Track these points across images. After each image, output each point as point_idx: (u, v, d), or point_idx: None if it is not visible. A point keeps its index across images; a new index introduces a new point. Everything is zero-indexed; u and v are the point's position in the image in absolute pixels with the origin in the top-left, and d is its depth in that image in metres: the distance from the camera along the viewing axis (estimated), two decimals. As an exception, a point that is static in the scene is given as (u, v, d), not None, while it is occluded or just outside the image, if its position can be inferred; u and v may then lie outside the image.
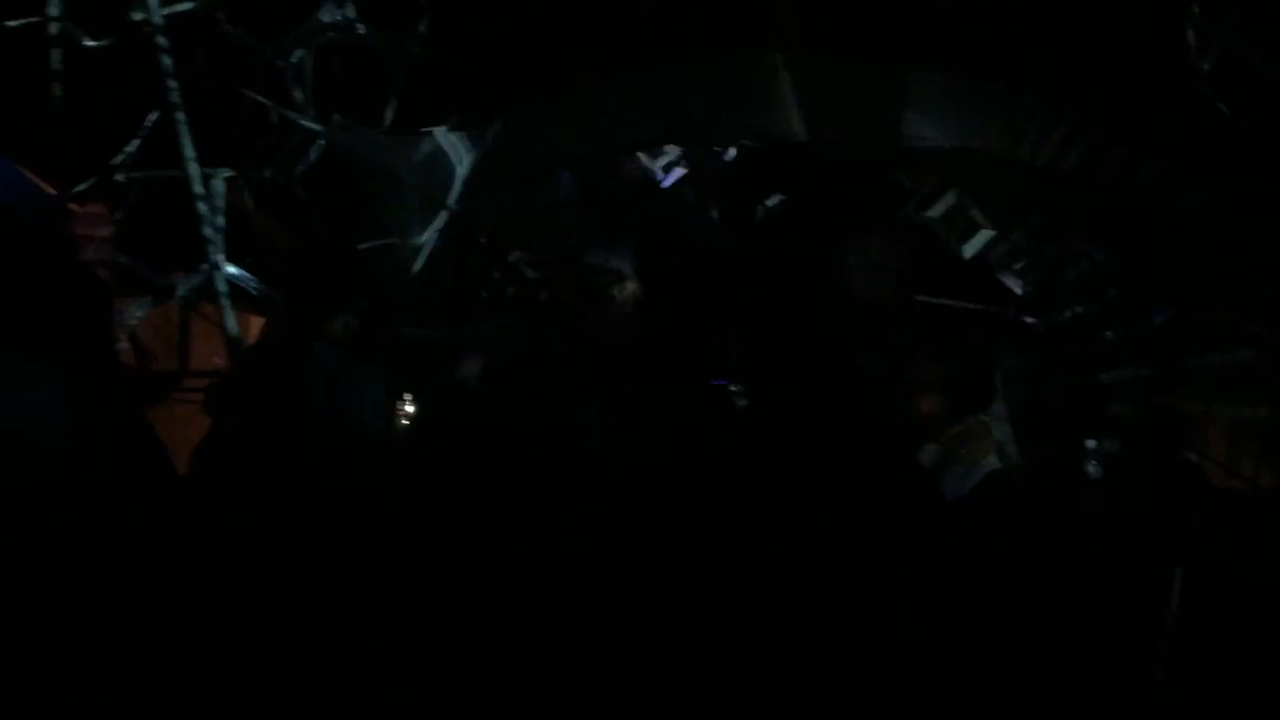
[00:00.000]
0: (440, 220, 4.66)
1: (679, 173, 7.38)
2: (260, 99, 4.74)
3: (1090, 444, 3.82)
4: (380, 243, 5.37)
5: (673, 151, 7.25)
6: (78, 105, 5.06)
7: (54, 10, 5.02)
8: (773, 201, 7.36)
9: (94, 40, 4.98)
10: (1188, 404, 5.23)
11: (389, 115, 5.30)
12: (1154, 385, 5.37)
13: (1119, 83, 4.97)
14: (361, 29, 5.09)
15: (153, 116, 4.76)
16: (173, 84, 4.34)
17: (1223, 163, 4.54)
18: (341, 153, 4.62)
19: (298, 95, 5.06)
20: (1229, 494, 4.99)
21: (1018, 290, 6.30)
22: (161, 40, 4.40)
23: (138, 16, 4.68)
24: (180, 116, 4.37)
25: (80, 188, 4.81)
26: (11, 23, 5.00)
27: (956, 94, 5.97)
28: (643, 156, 7.25)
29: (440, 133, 4.88)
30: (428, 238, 4.64)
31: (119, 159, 4.82)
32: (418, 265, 4.67)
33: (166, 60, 4.43)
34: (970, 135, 5.98)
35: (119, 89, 5.04)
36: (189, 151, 4.34)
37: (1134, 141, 5.41)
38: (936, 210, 6.14)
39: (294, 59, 5.05)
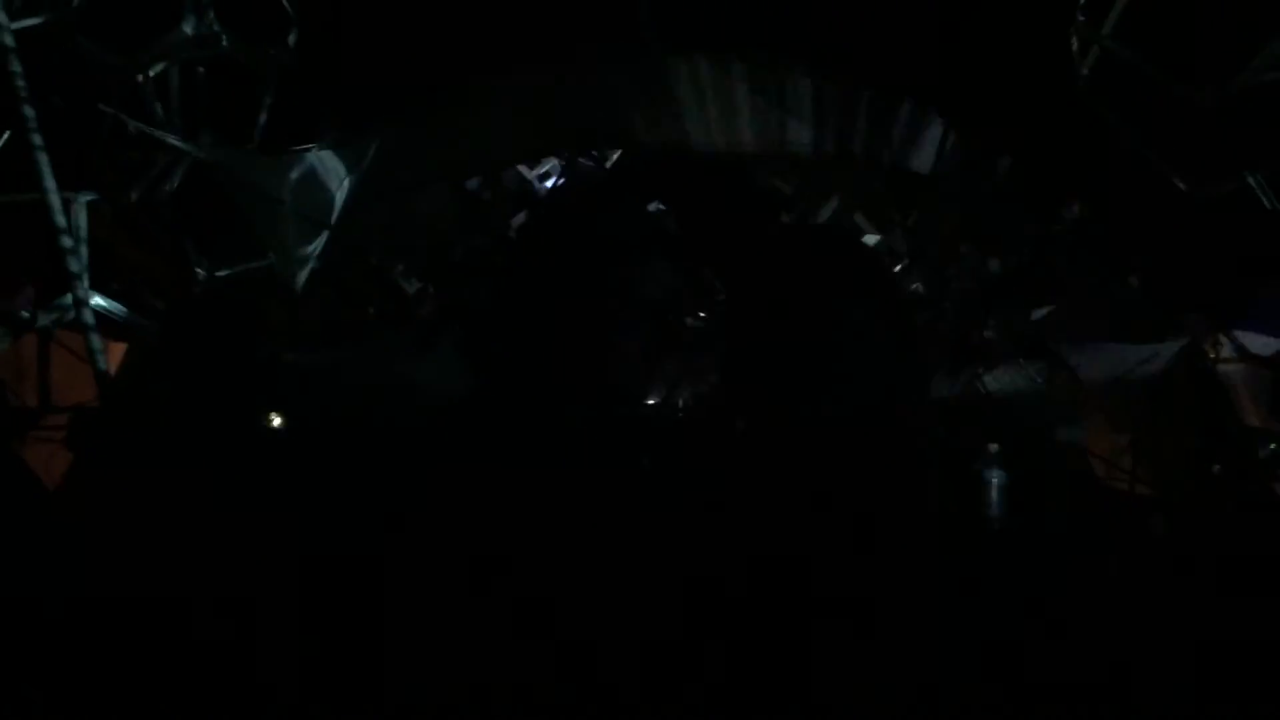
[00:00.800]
0: (320, 240, 4.47)
1: (557, 182, 7.30)
2: (120, 115, 4.46)
3: (993, 447, 3.86)
4: (255, 265, 5.16)
5: (549, 161, 7.17)
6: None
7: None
8: (654, 207, 7.33)
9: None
10: (1070, 401, 5.37)
11: (258, 132, 5.09)
12: (1036, 380, 5.50)
13: (999, 88, 5.07)
14: (226, 42, 4.84)
15: (4, 137, 4.45)
16: (27, 105, 4.05)
17: (1101, 165, 4.65)
18: (214, 172, 4.38)
19: (159, 112, 4.79)
20: (1110, 488, 5.14)
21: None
22: (13, 59, 4.10)
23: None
24: (36, 140, 4.08)
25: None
26: None
27: (835, 100, 6.02)
28: (521, 167, 7.15)
29: (316, 151, 4.68)
30: (309, 258, 4.44)
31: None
32: (299, 285, 4.46)
33: (19, 80, 4.14)
34: (849, 141, 6.03)
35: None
36: (48, 178, 4.06)
37: (1012, 146, 5.53)
38: (821, 216, 6.19)
39: (153, 73, 4.79)
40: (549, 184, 7.32)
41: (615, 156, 6.84)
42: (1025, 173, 5.63)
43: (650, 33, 7.11)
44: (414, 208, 6.37)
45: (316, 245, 4.47)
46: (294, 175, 4.45)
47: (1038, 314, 5.87)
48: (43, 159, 4.09)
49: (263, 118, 5.09)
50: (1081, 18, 3.75)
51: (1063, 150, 4.98)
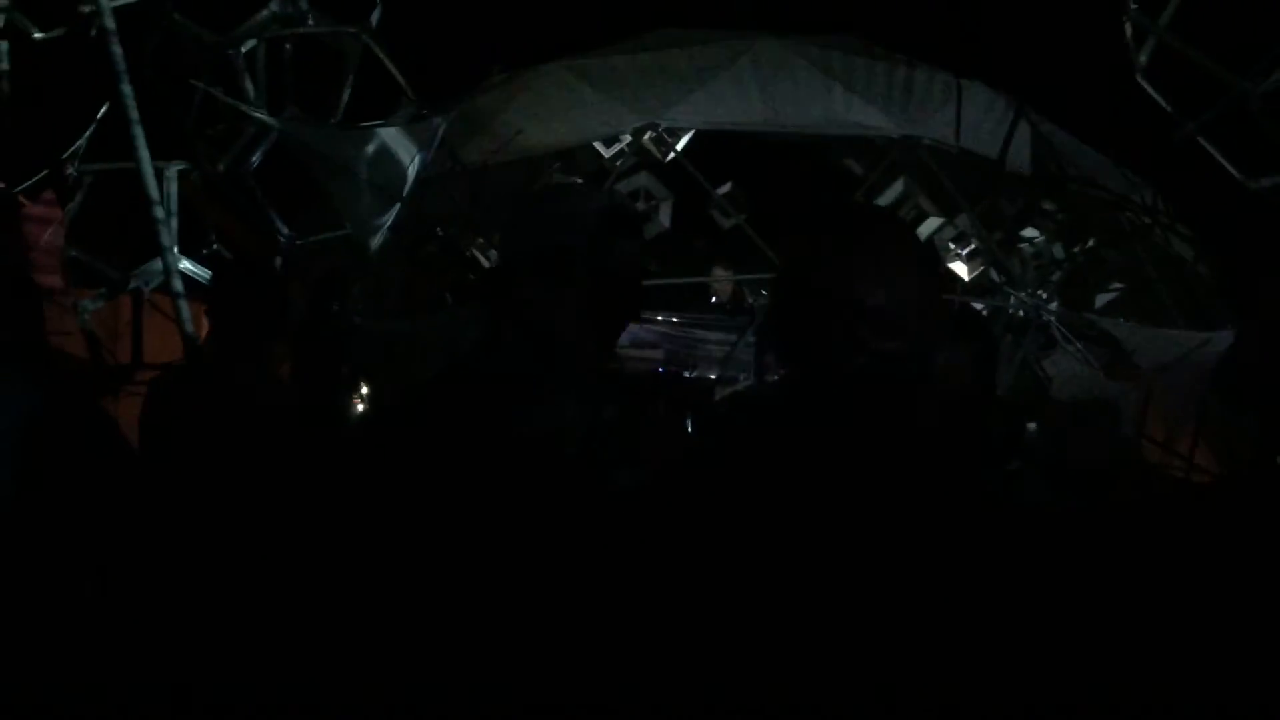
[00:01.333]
0: (394, 213, 4.68)
1: (631, 162, 7.45)
2: (212, 91, 4.72)
3: (1031, 426, 3.91)
4: (333, 235, 5.40)
5: (624, 139, 7.32)
6: (27, 98, 5.03)
7: (0, 1, 4.98)
8: (725, 189, 7.45)
9: (43, 32, 4.94)
10: (1126, 383, 5.38)
11: (341, 108, 5.31)
12: (1094, 365, 5.52)
13: (1062, 74, 5.10)
14: (314, 21, 5.07)
15: (103, 110, 4.75)
16: (124, 77, 4.31)
17: (1160, 150, 4.66)
18: (295, 146, 4.61)
19: (249, 88, 5.03)
20: (1165, 474, 5.16)
21: (964, 276, 6.43)
22: (111, 31, 4.36)
23: (87, 8, 4.65)
24: (132, 111, 4.34)
25: (29, 182, 4.78)
26: (-42, 16, 4.95)
27: (905, 82, 6.07)
28: (598, 145, 7.31)
29: (390, 127, 4.89)
30: (382, 230, 4.66)
31: (69, 153, 4.79)
32: (374, 254, 4.69)
33: (117, 52, 4.40)
34: (916, 125, 6.09)
35: (68, 81, 5.02)
36: (142, 147, 4.32)
37: (1075, 129, 5.55)
38: (886, 198, 6.25)
39: (245, 50, 5.03)
40: (620, 163, 7.48)
41: (688, 137, 6.97)
42: (1092, 159, 5.64)
43: (733, 14, 7.21)
44: (493, 183, 6.58)
45: (389, 216, 4.68)
46: (369, 149, 4.66)
47: (1101, 299, 5.89)
48: (138, 131, 4.35)
49: (346, 94, 5.31)
50: (1134, 5, 3.79)
51: (1130, 136, 4.99)
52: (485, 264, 6.78)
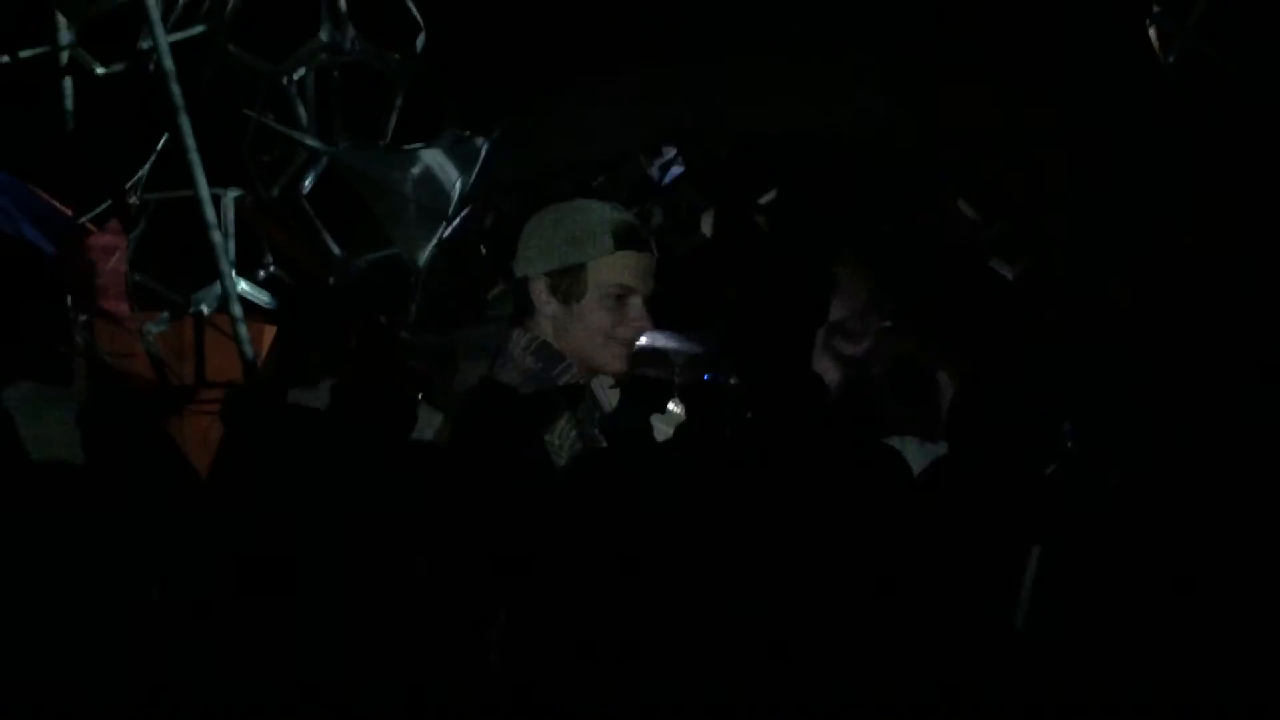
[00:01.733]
0: (440, 231, 4.85)
1: (677, 172, 7.55)
2: (267, 120, 4.92)
3: (1066, 426, 3.96)
4: (384, 253, 5.57)
5: (669, 151, 7.42)
6: (89, 131, 5.27)
7: (64, 39, 5.23)
8: (769, 196, 7.52)
9: (104, 67, 5.18)
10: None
11: (389, 131, 5.48)
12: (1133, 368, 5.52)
13: (1097, 76, 5.14)
14: (359, 48, 5.25)
15: (163, 140, 4.96)
16: (182, 108, 4.53)
17: (1196, 149, 4.70)
18: (345, 169, 4.80)
19: (301, 114, 5.22)
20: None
21: (1008, 276, 6.45)
22: (169, 67, 4.58)
23: (145, 45, 4.88)
24: (190, 141, 4.56)
25: (95, 211, 5.01)
26: (24, 53, 5.20)
27: (948, 89, 6.14)
28: (642, 157, 7.42)
29: (435, 148, 5.06)
30: (429, 248, 4.83)
31: (132, 182, 5.02)
32: (421, 272, 4.87)
33: (175, 86, 4.62)
34: (959, 129, 6.14)
35: (128, 113, 5.25)
36: (200, 175, 4.54)
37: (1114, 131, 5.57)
38: (927, 204, 6.30)
39: (295, 78, 5.21)
40: (670, 175, 7.58)
41: (730, 147, 7.05)
42: (1125, 161, 5.66)
43: (794, 25, 7.29)
44: (539, 198, 6.72)
45: (437, 234, 4.85)
46: (415, 170, 4.83)
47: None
48: (195, 159, 4.57)
49: (393, 118, 5.48)
50: (1157, 9, 3.85)
51: (1162, 140, 5.02)
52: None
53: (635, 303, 2.55)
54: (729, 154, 7.10)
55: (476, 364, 5.78)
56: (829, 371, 1.79)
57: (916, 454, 2.90)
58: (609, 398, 2.62)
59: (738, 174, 7.12)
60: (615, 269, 2.57)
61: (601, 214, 2.63)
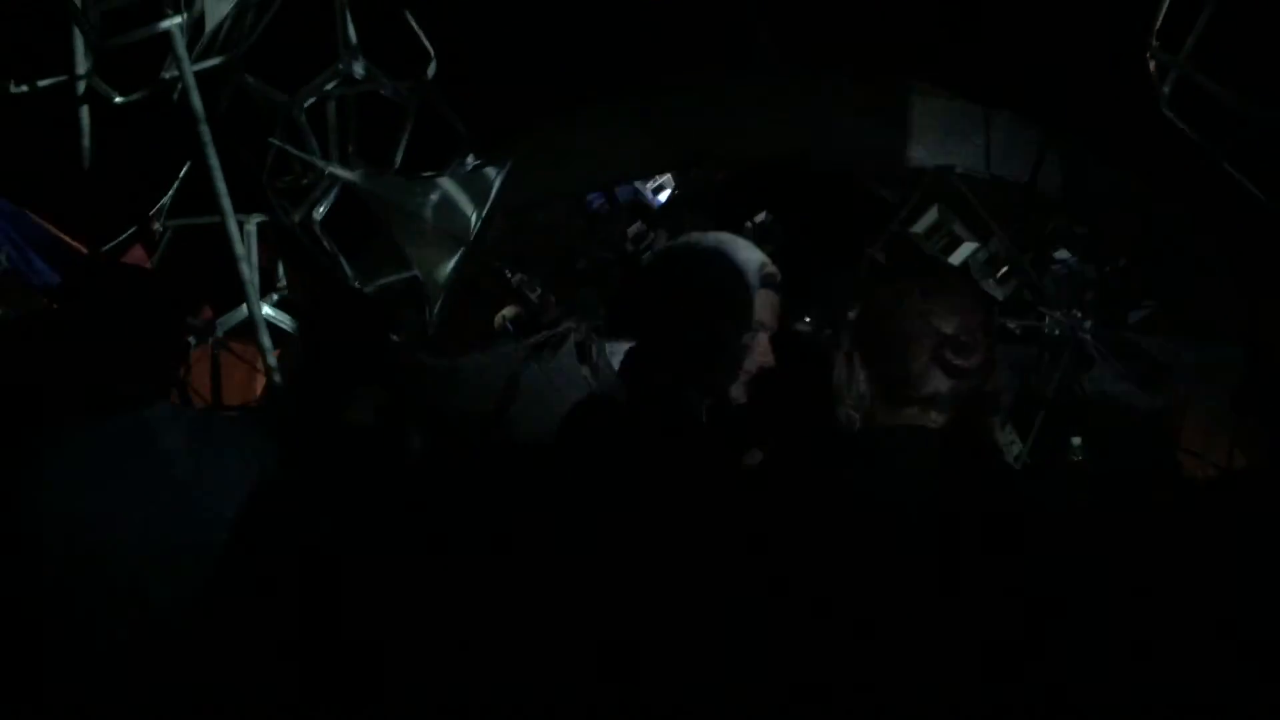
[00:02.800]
0: (459, 255, 4.97)
1: (669, 194, 7.72)
2: (286, 147, 5.03)
3: (1075, 441, 4.14)
4: (396, 277, 5.69)
5: (663, 175, 7.59)
6: (108, 159, 5.34)
7: (81, 69, 5.29)
8: (760, 218, 7.70)
9: (123, 96, 5.25)
10: (1163, 400, 5.58)
11: (399, 157, 5.60)
12: (1131, 382, 5.72)
13: (1090, 104, 5.34)
14: (373, 77, 5.36)
15: (185, 168, 5.05)
16: (209, 142, 4.62)
17: (1187, 176, 4.88)
18: (366, 196, 4.91)
19: (313, 142, 5.32)
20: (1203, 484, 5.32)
21: (999, 297, 6.65)
22: (197, 102, 4.67)
23: (169, 75, 4.96)
24: (216, 169, 4.64)
25: (116, 241, 5.08)
26: (42, 82, 5.26)
27: (937, 112, 6.34)
28: (637, 181, 7.59)
29: (454, 174, 5.18)
30: (448, 274, 4.95)
31: (155, 209, 5.10)
32: (440, 297, 4.97)
33: (200, 113, 4.70)
34: (950, 155, 6.34)
35: (145, 141, 5.32)
36: (227, 204, 4.62)
37: (1104, 155, 5.78)
38: (921, 225, 6.48)
39: (306, 105, 5.32)
40: (662, 197, 7.75)
41: (727, 171, 7.24)
42: (1119, 180, 5.87)
43: (767, 51, 7.50)
44: (541, 221, 6.87)
45: (456, 260, 4.96)
46: (434, 197, 4.95)
47: (1134, 316, 6.10)
48: (221, 187, 4.65)
49: (402, 145, 5.60)
50: (1156, 43, 4.03)
51: (1155, 161, 5.22)
52: (532, 300, 7.07)
53: (764, 338, 2.66)
54: (725, 179, 7.31)
55: (485, 384, 5.95)
56: (937, 382, 1.88)
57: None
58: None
59: (733, 197, 7.32)
60: (755, 305, 2.67)
61: (749, 252, 2.74)
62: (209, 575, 2.21)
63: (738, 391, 2.70)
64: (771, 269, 2.74)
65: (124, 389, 2.23)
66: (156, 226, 5.11)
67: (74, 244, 5.11)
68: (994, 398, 2.03)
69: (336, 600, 2.22)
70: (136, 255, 4.99)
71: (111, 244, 4.99)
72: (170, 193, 5.14)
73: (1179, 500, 2.58)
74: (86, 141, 5.37)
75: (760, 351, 2.67)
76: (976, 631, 1.83)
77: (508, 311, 6.44)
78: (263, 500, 2.32)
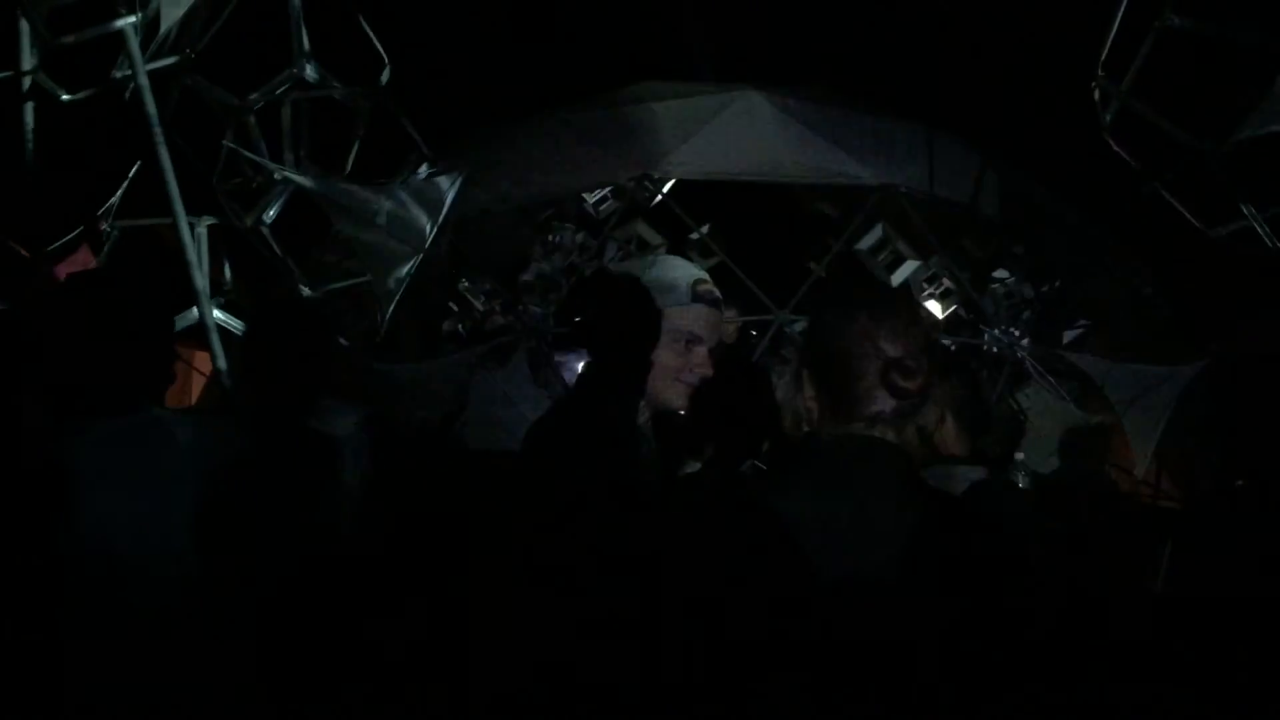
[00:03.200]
0: (413, 262, 4.96)
1: (611, 207, 7.78)
2: (236, 148, 4.99)
3: (1019, 456, 4.25)
4: (346, 284, 5.68)
5: (604, 189, 7.65)
6: (53, 158, 5.25)
7: (28, 64, 5.20)
8: (704, 230, 7.80)
9: (70, 94, 5.17)
10: (1095, 415, 5.76)
11: (350, 163, 5.60)
12: (1065, 398, 5.90)
13: (1032, 130, 5.51)
14: (325, 82, 5.35)
15: (135, 168, 4.99)
16: (162, 142, 4.58)
17: (1122, 200, 5.06)
18: (322, 200, 4.88)
19: (263, 146, 5.29)
20: (1134, 501, 5.52)
21: (939, 315, 6.81)
22: (149, 98, 4.63)
23: (120, 74, 4.90)
24: (168, 169, 4.60)
25: (60, 241, 4.99)
26: (-16, 78, 5.16)
27: (880, 132, 6.48)
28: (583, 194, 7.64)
29: (410, 181, 5.18)
30: (402, 281, 4.94)
31: (103, 210, 5.03)
32: (391, 306, 4.96)
33: (153, 114, 4.66)
34: (893, 173, 6.48)
35: (96, 141, 5.25)
36: (178, 204, 4.58)
37: (1043, 179, 5.97)
38: (866, 243, 6.61)
39: (261, 110, 5.29)
40: (604, 208, 7.81)
41: (670, 184, 7.31)
42: (1058, 203, 6.06)
43: (704, 68, 7.62)
44: (489, 230, 6.89)
45: (410, 267, 4.95)
46: (388, 205, 4.93)
47: (1069, 335, 6.29)
48: (174, 190, 4.61)
49: (353, 151, 5.60)
50: (1102, 73, 4.19)
51: (1093, 184, 5.40)
52: (479, 308, 7.08)
53: (701, 350, 2.79)
54: (670, 193, 7.38)
55: (433, 392, 5.94)
56: (883, 402, 1.97)
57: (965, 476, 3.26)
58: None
59: (678, 211, 7.39)
60: (688, 318, 2.80)
61: (684, 269, 2.88)
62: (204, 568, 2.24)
63: (679, 402, 2.82)
64: (707, 285, 2.88)
65: (126, 391, 2.25)
66: (104, 227, 5.03)
67: (25, 255, 5.02)
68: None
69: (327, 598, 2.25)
70: (82, 257, 4.91)
71: (57, 244, 4.90)
72: (119, 193, 5.06)
73: (1114, 514, 2.67)
74: (30, 140, 5.28)
75: (698, 363, 2.79)
76: (922, 636, 1.89)
77: (456, 321, 6.44)
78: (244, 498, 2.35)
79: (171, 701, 2.11)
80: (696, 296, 2.82)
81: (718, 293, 2.92)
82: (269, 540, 2.41)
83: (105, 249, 5.19)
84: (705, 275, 2.91)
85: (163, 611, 2.17)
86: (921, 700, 1.83)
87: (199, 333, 4.94)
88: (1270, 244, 4.07)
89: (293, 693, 2.29)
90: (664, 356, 2.74)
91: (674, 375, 2.76)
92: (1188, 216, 4.40)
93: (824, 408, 2.08)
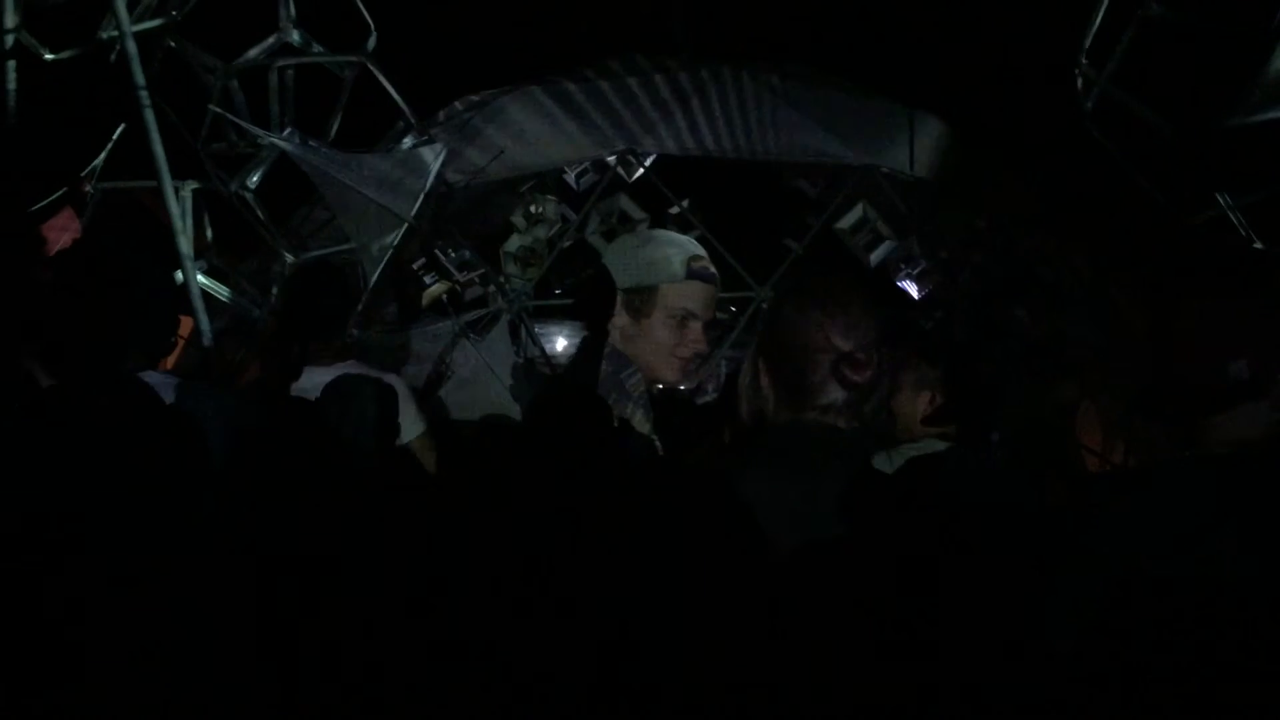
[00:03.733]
0: (400, 231, 4.99)
1: (592, 181, 7.80)
2: (222, 113, 4.98)
3: (994, 436, 4.33)
4: (329, 251, 5.68)
5: (584, 163, 7.67)
6: (36, 118, 5.21)
7: (10, 22, 5.16)
8: (683, 206, 7.83)
9: (54, 54, 5.13)
10: (1066, 396, 5.86)
11: (333, 130, 5.59)
12: (1036, 380, 5.99)
13: (1011, 111, 5.57)
14: (311, 48, 5.34)
15: (119, 129, 4.97)
16: (148, 105, 4.56)
17: (1105, 187, 5.13)
18: (308, 167, 4.89)
19: (246, 110, 5.28)
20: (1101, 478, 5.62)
21: (914, 295, 6.89)
22: (136, 62, 4.60)
23: (106, 35, 4.88)
24: (154, 132, 4.58)
25: (44, 202, 4.97)
26: (-35, 37, 5.11)
27: (865, 115, 6.53)
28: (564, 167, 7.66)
29: (398, 149, 5.19)
30: (388, 248, 4.96)
31: (87, 171, 5.01)
32: (376, 275, 4.98)
33: (139, 77, 4.64)
34: (873, 153, 6.54)
35: (82, 101, 5.22)
36: (164, 167, 4.57)
37: (1022, 163, 6.04)
38: (846, 222, 6.67)
39: (246, 75, 5.28)
40: (585, 181, 7.84)
41: (651, 159, 7.34)
42: (1032, 188, 6.14)
43: (684, 44, 7.63)
44: (471, 202, 6.90)
45: (395, 236, 4.98)
46: (374, 173, 4.96)
47: (1038, 315, 6.39)
48: (159, 151, 4.60)
49: (338, 118, 5.59)
50: (1085, 61, 4.25)
51: (1070, 168, 5.47)
52: (459, 278, 7.09)
53: (696, 326, 2.84)
54: (651, 168, 7.41)
55: (426, 362, 5.98)
56: (834, 393, 2.07)
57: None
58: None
59: (660, 185, 7.42)
60: (683, 295, 2.85)
61: (679, 245, 2.91)
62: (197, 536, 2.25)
63: (674, 378, 2.88)
64: (703, 261, 2.93)
65: (127, 356, 2.27)
66: (88, 189, 5.02)
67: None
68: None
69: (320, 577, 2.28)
70: (65, 218, 4.89)
71: (39, 205, 4.88)
72: (103, 154, 5.04)
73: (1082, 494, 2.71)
74: (11, 98, 5.24)
75: (693, 340, 2.84)
76: (877, 611, 1.96)
77: (438, 289, 6.45)
78: (244, 463, 2.37)
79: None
80: (692, 273, 2.87)
81: (712, 268, 2.96)
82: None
83: (88, 211, 5.17)
84: (701, 251, 2.96)
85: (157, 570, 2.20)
86: (864, 659, 1.91)
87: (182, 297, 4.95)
88: (1244, 233, 4.16)
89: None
90: (659, 333, 2.80)
91: (669, 352, 2.81)
92: (1165, 203, 4.47)
93: (779, 396, 2.17)
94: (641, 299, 2.87)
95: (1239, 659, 2.01)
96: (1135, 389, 5.42)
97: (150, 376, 2.30)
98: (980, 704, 1.93)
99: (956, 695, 1.93)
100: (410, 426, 3.38)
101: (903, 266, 6.74)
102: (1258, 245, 4.30)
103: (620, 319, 2.88)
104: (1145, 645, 2.10)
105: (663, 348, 2.83)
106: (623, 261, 2.92)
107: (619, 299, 2.87)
